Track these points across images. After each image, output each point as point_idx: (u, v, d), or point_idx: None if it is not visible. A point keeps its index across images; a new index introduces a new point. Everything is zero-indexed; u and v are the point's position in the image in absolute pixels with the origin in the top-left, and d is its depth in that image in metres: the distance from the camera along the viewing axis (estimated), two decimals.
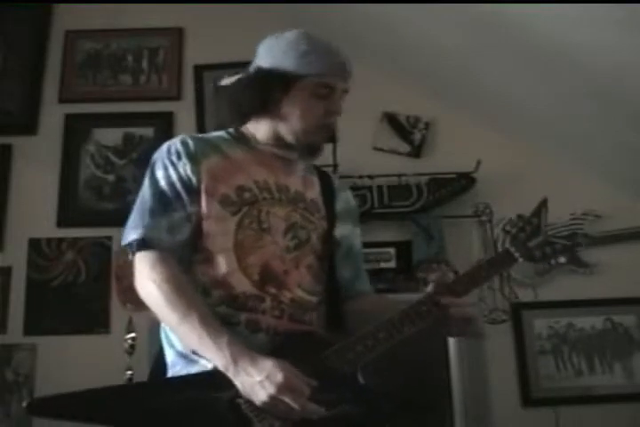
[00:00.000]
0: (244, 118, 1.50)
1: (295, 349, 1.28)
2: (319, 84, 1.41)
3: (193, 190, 1.37)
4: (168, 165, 1.39)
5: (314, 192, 1.51)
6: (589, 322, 2.95)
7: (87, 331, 2.90)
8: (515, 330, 2.94)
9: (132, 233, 1.35)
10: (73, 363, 2.81)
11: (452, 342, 2.95)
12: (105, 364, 2.72)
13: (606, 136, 2.86)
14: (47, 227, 3.05)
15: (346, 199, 1.58)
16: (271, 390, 1.18)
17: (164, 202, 1.37)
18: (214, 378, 1.25)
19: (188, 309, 1.27)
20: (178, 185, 1.37)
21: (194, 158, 1.39)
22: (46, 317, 2.92)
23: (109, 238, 3.00)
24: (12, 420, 2.77)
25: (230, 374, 1.23)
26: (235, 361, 1.22)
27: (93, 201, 3.11)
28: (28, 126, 3.20)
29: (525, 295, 2.96)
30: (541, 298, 2.97)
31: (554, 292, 2.97)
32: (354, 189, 2.97)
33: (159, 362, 1.39)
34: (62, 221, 3.07)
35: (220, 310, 1.31)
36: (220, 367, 1.24)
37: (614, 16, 2.19)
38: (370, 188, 3.01)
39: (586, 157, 3.05)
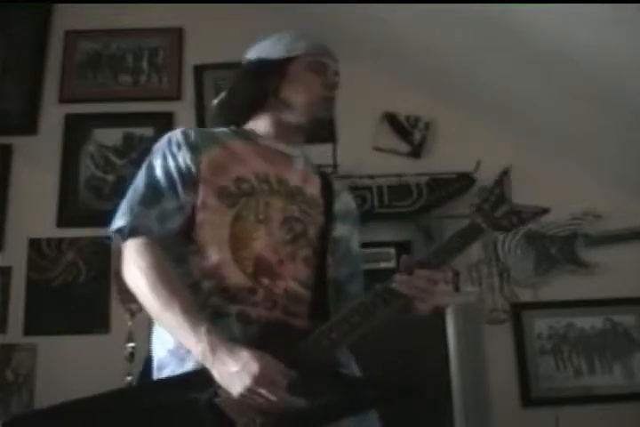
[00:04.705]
0: (243, 116, 1.52)
1: (273, 339, 1.26)
2: (312, 61, 1.48)
3: (190, 180, 1.38)
4: (167, 155, 1.41)
5: (313, 188, 1.51)
6: (589, 322, 2.95)
7: (87, 331, 2.89)
8: (515, 330, 2.93)
9: (120, 220, 1.37)
10: (73, 363, 2.80)
11: (452, 341, 2.95)
12: (105, 364, 2.71)
13: (606, 136, 2.86)
14: (47, 227, 3.05)
15: (346, 201, 1.58)
16: (247, 381, 1.17)
17: (157, 191, 1.38)
18: (192, 379, 1.24)
19: (171, 297, 1.27)
20: (175, 175, 1.38)
21: (195, 148, 1.41)
22: (46, 317, 2.91)
23: (109, 238, 2.97)
24: None
25: (208, 364, 1.21)
26: (212, 350, 1.21)
27: (93, 201, 3.10)
28: (28, 126, 3.19)
29: (525, 295, 2.97)
30: (541, 298, 2.97)
31: (554, 292, 2.97)
32: (354, 189, 2.97)
33: (148, 364, 1.38)
34: (62, 221, 3.06)
35: (210, 302, 1.31)
36: (199, 356, 1.23)
37: (614, 16, 2.19)
38: (370, 188, 3.01)
39: (586, 157, 3.05)
